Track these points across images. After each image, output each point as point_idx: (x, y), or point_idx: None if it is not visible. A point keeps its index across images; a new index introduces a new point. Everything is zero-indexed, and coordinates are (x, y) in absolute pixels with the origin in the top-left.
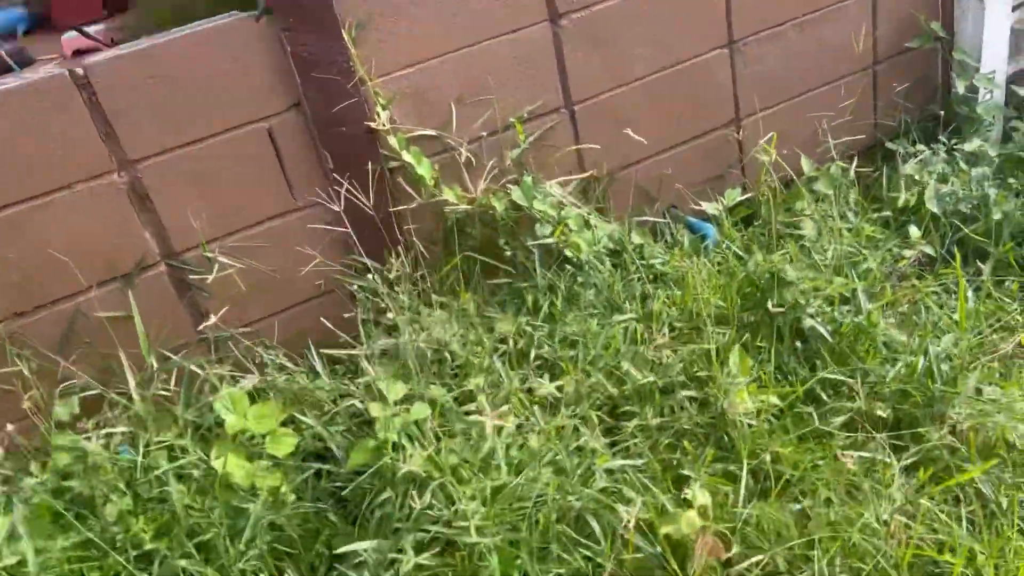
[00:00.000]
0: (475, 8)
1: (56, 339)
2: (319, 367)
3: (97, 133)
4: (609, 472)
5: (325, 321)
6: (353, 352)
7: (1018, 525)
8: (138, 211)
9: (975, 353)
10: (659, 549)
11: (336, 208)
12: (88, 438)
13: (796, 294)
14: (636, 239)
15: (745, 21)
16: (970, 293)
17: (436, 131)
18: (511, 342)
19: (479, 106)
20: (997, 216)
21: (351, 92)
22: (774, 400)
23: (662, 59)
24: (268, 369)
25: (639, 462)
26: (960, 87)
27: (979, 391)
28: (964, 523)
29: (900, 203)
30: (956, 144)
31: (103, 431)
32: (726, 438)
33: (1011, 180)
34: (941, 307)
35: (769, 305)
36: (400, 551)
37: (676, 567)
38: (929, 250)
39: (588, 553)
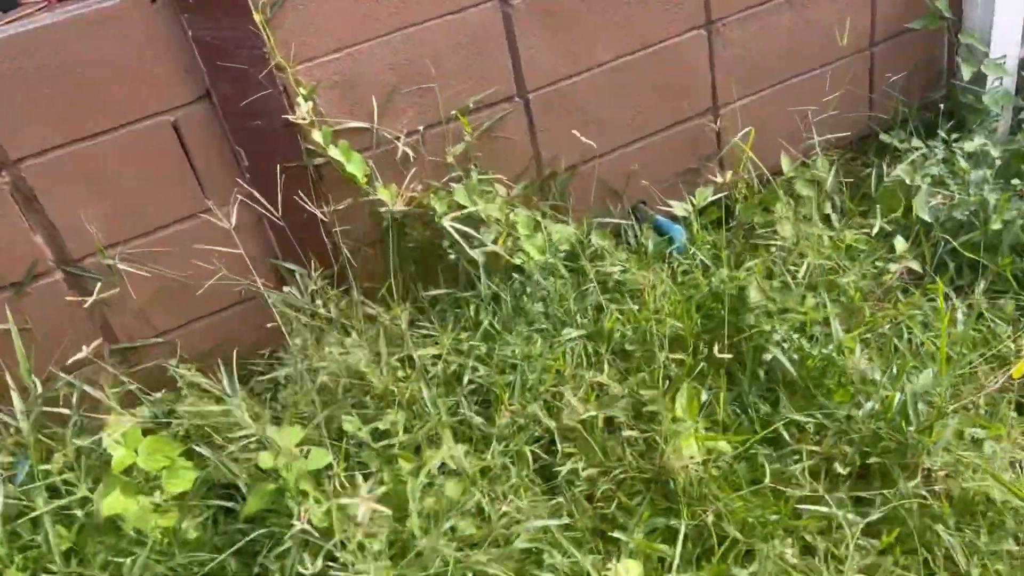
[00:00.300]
0: None
1: None
2: (227, 386)
3: None
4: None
5: (241, 331)
6: (262, 377)
7: None
8: (24, 213)
9: (959, 388)
10: None
11: (258, 209)
12: None
13: (760, 318)
14: (596, 241)
15: None
16: (960, 314)
17: (369, 124)
18: (440, 366)
19: (418, 95)
20: (996, 225)
21: (264, 82)
22: (724, 446)
23: (629, 41)
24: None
25: (566, 521)
26: (966, 74)
27: (960, 434)
28: None
29: (886, 210)
30: (958, 139)
31: None
32: (672, 484)
33: (1015, 181)
34: (927, 328)
35: (727, 332)
36: None
37: None
38: (916, 265)
39: None
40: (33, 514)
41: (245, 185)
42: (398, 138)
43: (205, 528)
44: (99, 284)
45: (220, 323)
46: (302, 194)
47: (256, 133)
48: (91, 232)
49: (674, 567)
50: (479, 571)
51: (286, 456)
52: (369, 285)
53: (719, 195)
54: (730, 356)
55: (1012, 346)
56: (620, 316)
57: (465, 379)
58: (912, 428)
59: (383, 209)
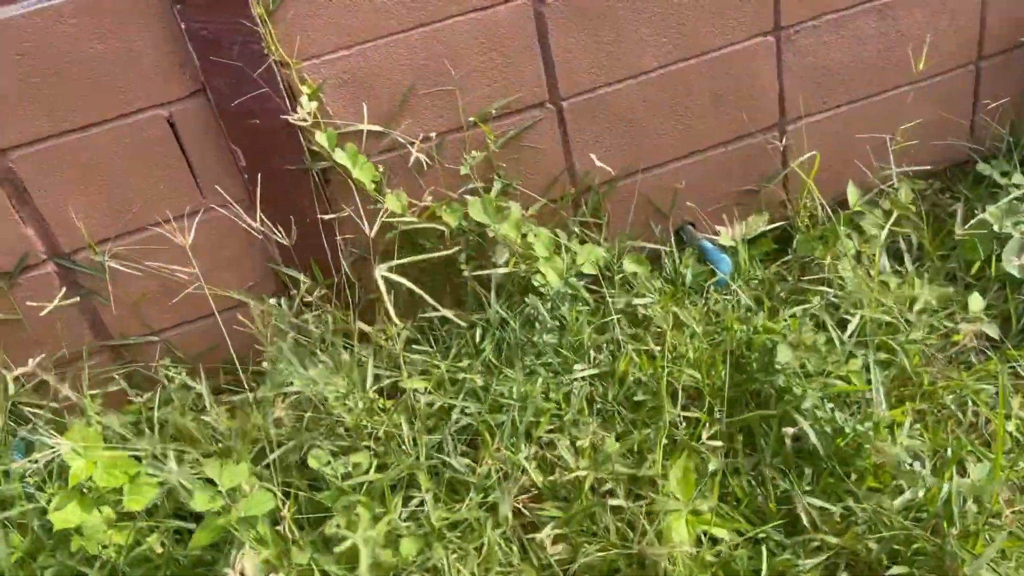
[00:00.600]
0: None
1: None
2: (205, 395)
3: None
4: None
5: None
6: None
7: None
8: (15, 205)
9: (1016, 487)
10: None
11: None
12: None
13: (792, 379)
14: (629, 267)
15: (799, 2)
16: None
17: (381, 127)
18: (429, 397)
19: (437, 97)
20: None
21: (259, 81)
22: (722, 533)
23: (681, 48)
24: (168, 388)
25: None
26: None
27: (1003, 553)
28: None
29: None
30: None
31: None
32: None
33: None
34: (992, 409)
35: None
36: None
37: None
38: (992, 330)
39: None
40: None
41: (247, 186)
42: (412, 143)
43: (164, 545)
44: (89, 280)
45: (214, 325)
46: (304, 198)
47: (253, 132)
48: (83, 224)
49: None
50: None
51: (222, 499)
52: (376, 296)
53: (778, 224)
54: (755, 414)
55: None
56: (636, 358)
57: (453, 416)
58: (955, 530)
59: (392, 219)
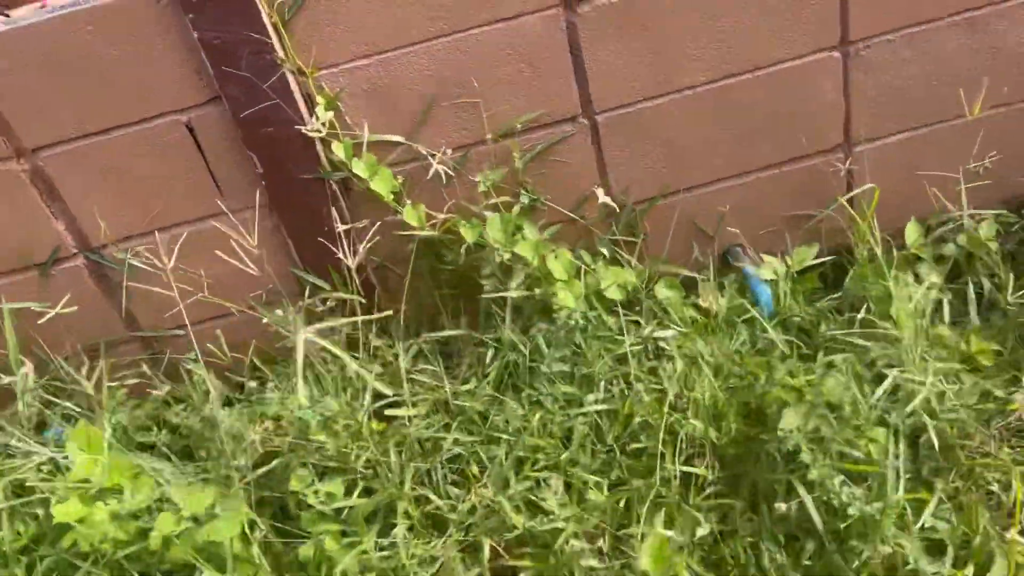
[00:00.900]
0: None
1: None
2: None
3: None
4: None
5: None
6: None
7: None
8: (47, 201)
9: None
10: None
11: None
12: None
13: (801, 443)
14: (661, 292)
15: (872, 14)
16: None
17: (400, 138)
18: (412, 430)
19: (461, 109)
20: None
21: (269, 92)
22: None
23: (732, 63)
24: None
25: None
26: None
27: None
28: None
29: None
30: None
31: None
32: None
33: None
34: None
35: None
36: None
37: None
38: None
39: None
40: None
41: (263, 191)
42: (433, 155)
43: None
44: (119, 274)
45: (240, 324)
46: (322, 205)
47: (268, 141)
48: (112, 221)
49: None
50: None
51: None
52: (394, 307)
53: (829, 257)
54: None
55: None
56: (646, 396)
57: (445, 446)
58: None
59: (409, 233)
